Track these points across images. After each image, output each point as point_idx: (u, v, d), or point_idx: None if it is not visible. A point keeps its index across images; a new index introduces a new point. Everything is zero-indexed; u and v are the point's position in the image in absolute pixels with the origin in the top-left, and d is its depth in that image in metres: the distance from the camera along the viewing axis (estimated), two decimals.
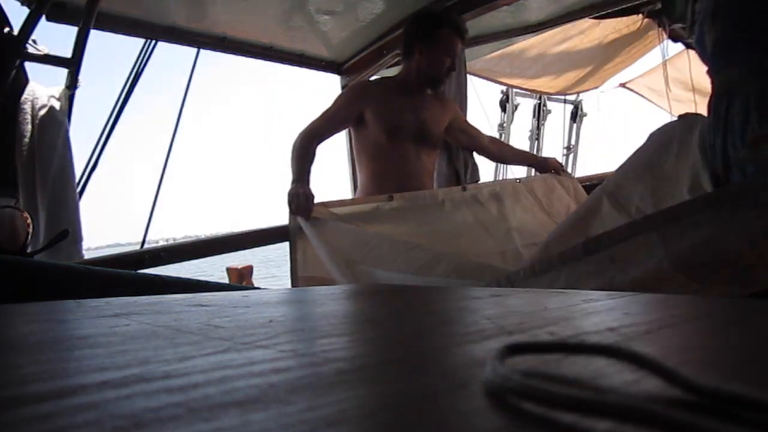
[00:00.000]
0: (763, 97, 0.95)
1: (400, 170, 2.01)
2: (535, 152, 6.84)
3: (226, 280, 3.80)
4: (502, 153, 2.48)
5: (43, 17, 1.67)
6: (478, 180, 3.13)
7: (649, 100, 4.28)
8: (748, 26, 0.96)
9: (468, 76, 3.02)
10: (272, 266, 12.64)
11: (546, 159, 2.39)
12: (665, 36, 3.16)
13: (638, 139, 1.55)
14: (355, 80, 2.96)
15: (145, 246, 2.27)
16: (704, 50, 1.09)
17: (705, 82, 1.39)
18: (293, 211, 1.77)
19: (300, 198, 1.75)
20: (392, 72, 3.09)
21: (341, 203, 1.85)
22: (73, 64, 1.74)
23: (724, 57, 1.00)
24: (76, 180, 1.83)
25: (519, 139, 6.86)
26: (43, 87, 1.74)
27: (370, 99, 2.01)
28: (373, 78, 2.25)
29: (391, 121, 1.98)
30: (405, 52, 2.06)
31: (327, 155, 2.23)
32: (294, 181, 1.86)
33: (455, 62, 2.00)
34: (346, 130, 2.21)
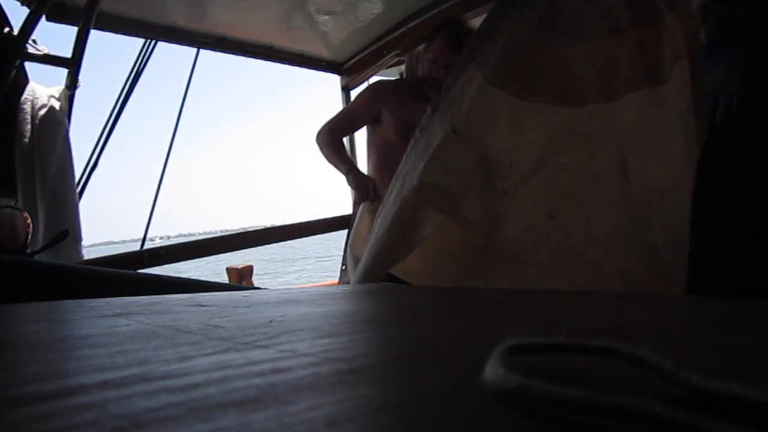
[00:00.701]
0: (744, 101, 0.94)
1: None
2: None
3: (225, 280, 3.80)
4: None
5: (43, 17, 1.67)
6: None
7: None
8: (735, 25, 0.95)
9: None
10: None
11: None
12: None
13: None
14: (356, 79, 2.97)
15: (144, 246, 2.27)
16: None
17: None
18: (363, 198, 1.88)
19: (368, 185, 1.88)
20: (393, 72, 3.10)
21: None
22: (73, 64, 1.74)
23: (714, 55, 0.99)
24: (76, 180, 1.83)
25: None
26: (43, 87, 1.74)
27: (388, 99, 2.05)
28: (393, 78, 2.27)
29: (403, 121, 2.01)
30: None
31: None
32: (349, 172, 1.95)
33: (444, 70, 1.97)
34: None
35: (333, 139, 2.01)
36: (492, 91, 1.03)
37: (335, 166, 1.99)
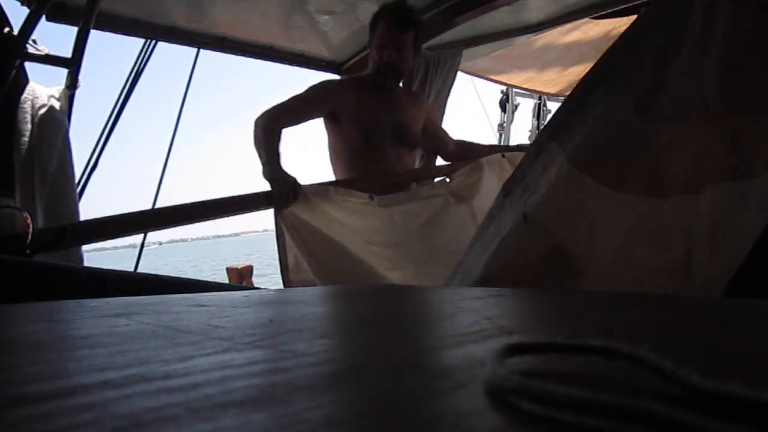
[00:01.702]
0: None
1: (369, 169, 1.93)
2: None
3: (225, 279, 3.80)
4: (465, 152, 2.25)
5: (43, 17, 1.67)
6: None
7: None
8: None
9: (468, 76, 3.02)
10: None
11: (519, 146, 2.24)
12: None
13: None
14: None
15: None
16: None
17: None
18: (276, 200, 1.61)
19: (283, 184, 1.61)
20: None
21: (324, 191, 1.71)
22: (73, 64, 1.74)
23: None
24: (76, 180, 1.83)
25: (519, 140, 6.88)
26: (43, 87, 1.74)
27: (340, 99, 1.91)
28: (343, 77, 2.14)
29: (366, 121, 1.90)
30: (367, 46, 2.00)
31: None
32: (268, 163, 1.69)
33: (398, 54, 1.86)
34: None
35: (270, 126, 1.78)
36: (576, 176, 0.92)
37: (258, 153, 1.73)
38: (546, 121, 6.75)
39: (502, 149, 2.23)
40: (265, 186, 1.64)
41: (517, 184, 0.98)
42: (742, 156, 0.88)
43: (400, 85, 2.11)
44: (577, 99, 0.97)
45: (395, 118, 1.95)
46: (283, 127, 1.83)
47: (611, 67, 0.96)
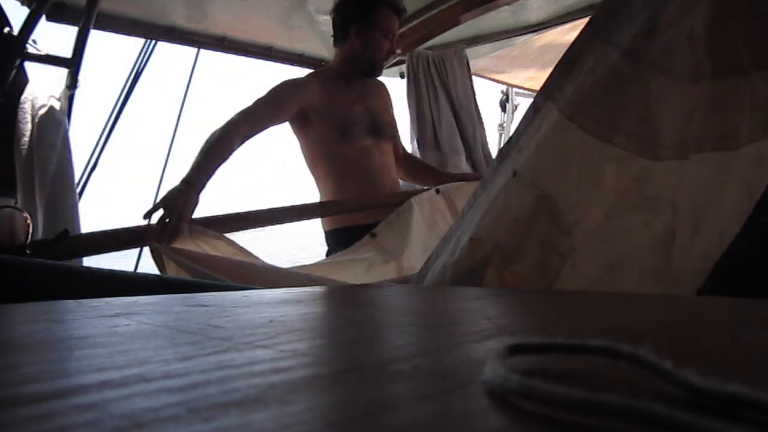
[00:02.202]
0: None
1: (363, 169, 1.82)
2: None
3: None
4: (412, 168, 2.10)
5: (43, 17, 1.67)
6: None
7: None
8: None
9: (471, 75, 3.02)
10: None
11: (464, 176, 2.05)
12: None
13: None
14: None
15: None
16: None
17: None
18: (157, 234, 1.32)
19: (174, 208, 1.34)
20: (393, 72, 3.10)
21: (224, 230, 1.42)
22: (73, 64, 1.75)
23: None
24: (76, 180, 1.83)
25: None
26: (43, 87, 1.74)
27: (308, 96, 1.75)
28: (304, 75, 1.90)
29: (339, 116, 1.78)
30: (338, 35, 1.83)
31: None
32: (183, 180, 1.40)
33: (394, 44, 1.83)
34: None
35: (223, 137, 1.51)
36: (565, 125, 0.89)
37: (193, 162, 1.45)
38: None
39: (447, 179, 1.97)
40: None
41: (512, 147, 0.95)
42: (726, 123, 0.86)
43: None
44: (570, 56, 0.95)
45: (368, 108, 1.86)
46: (244, 136, 1.58)
47: (605, 19, 0.94)
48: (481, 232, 0.92)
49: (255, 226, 1.57)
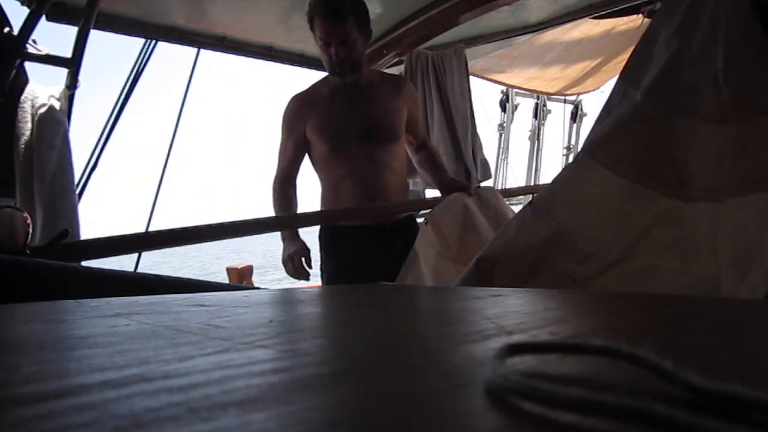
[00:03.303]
0: None
1: (352, 178, 1.83)
2: (534, 152, 6.86)
3: (225, 280, 3.80)
4: (417, 161, 2.10)
5: (43, 17, 1.67)
6: (490, 176, 3.11)
7: None
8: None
9: (469, 76, 3.03)
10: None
11: (453, 181, 2.00)
12: None
13: None
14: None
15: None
16: None
17: None
18: (291, 275, 1.71)
19: (294, 260, 1.69)
20: (393, 72, 3.10)
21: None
22: (73, 64, 1.74)
23: None
24: (76, 180, 1.83)
25: (519, 139, 6.88)
26: (43, 87, 1.74)
27: (307, 115, 1.82)
28: (312, 85, 1.91)
29: (331, 129, 1.80)
30: None
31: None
32: (283, 239, 1.76)
33: (343, 47, 1.70)
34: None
35: (278, 195, 1.83)
36: (584, 161, 0.91)
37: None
38: (545, 121, 6.75)
39: (437, 180, 2.01)
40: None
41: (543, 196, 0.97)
42: (760, 165, 0.84)
43: (372, 75, 1.92)
44: (605, 108, 0.96)
45: (363, 115, 1.81)
46: (293, 180, 1.87)
47: (632, 68, 0.95)
48: (488, 252, 0.95)
49: (250, 234, 1.63)
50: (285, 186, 1.85)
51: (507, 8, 2.59)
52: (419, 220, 1.93)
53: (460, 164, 2.87)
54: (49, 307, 0.58)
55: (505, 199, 2.05)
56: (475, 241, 1.73)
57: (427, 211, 1.95)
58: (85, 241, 1.45)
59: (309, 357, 0.31)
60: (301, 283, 1.83)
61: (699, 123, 0.87)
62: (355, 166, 1.82)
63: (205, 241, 1.54)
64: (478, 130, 3.03)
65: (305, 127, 1.81)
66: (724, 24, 0.86)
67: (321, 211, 1.88)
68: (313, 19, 1.70)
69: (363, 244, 1.85)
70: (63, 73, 1.79)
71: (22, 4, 1.63)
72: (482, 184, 3.08)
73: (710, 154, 0.86)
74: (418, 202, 2.27)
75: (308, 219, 1.76)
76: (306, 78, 2.66)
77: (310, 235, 1.91)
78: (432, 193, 3.37)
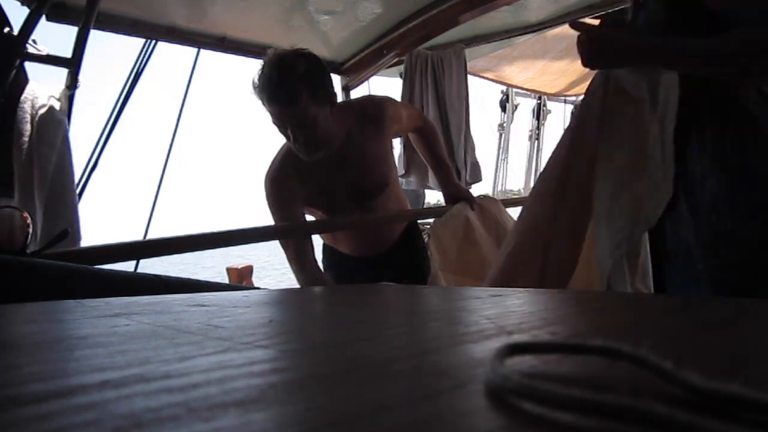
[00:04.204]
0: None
1: (351, 235, 1.79)
2: (534, 152, 6.86)
3: (225, 280, 3.80)
4: (414, 145, 1.98)
5: (43, 17, 1.67)
6: (480, 180, 3.12)
7: None
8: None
9: (468, 75, 3.03)
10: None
11: (458, 189, 1.92)
12: None
13: None
14: (356, 79, 2.94)
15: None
16: None
17: None
18: None
19: None
20: (393, 72, 3.10)
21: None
22: (73, 64, 1.74)
23: None
24: (76, 180, 1.83)
25: (519, 139, 6.88)
26: (43, 87, 1.74)
27: (295, 197, 1.63)
28: (280, 162, 1.66)
29: (322, 200, 1.68)
30: None
31: None
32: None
33: (302, 130, 1.48)
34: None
35: (301, 275, 1.60)
36: None
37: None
38: (545, 121, 6.75)
39: (443, 181, 1.97)
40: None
41: None
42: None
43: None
44: None
45: (350, 180, 1.66)
46: (307, 253, 1.61)
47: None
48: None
49: (247, 243, 1.60)
50: (302, 263, 1.60)
51: (507, 8, 2.59)
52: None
53: (453, 165, 2.88)
54: (49, 307, 0.58)
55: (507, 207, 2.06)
56: (474, 254, 1.77)
57: (429, 220, 1.98)
58: (84, 248, 1.45)
59: (309, 357, 0.31)
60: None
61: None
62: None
63: (203, 249, 1.53)
64: (474, 132, 3.03)
65: (298, 204, 1.65)
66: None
67: (322, 220, 1.80)
68: (260, 99, 1.47)
69: (362, 265, 1.84)
70: (63, 73, 1.79)
71: (22, 4, 1.62)
72: (478, 184, 3.09)
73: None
74: (419, 212, 2.26)
75: (308, 228, 1.72)
76: None
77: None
78: (430, 193, 3.37)
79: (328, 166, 1.60)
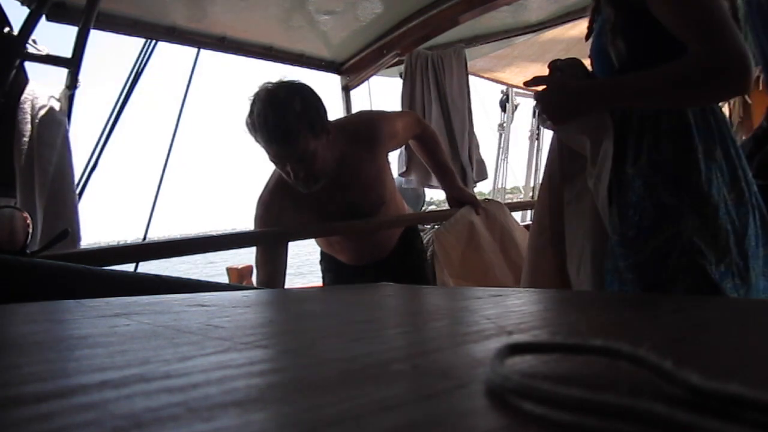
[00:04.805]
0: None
1: (347, 245, 1.77)
2: (535, 152, 6.86)
3: (225, 280, 3.80)
4: (415, 150, 1.99)
5: (43, 17, 1.67)
6: (486, 177, 3.12)
7: None
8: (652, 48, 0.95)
9: (468, 75, 3.03)
10: None
11: (462, 193, 1.90)
12: None
13: None
14: (356, 79, 2.94)
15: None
16: (605, 62, 1.04)
17: None
18: None
19: None
20: (393, 72, 3.10)
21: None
22: (73, 64, 1.74)
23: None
24: (76, 180, 1.83)
25: (519, 139, 6.88)
26: (43, 87, 1.74)
27: (287, 219, 1.62)
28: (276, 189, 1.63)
29: (315, 221, 1.66)
30: None
31: None
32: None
33: (302, 164, 1.46)
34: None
35: (266, 278, 1.59)
36: None
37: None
38: None
39: (446, 185, 1.96)
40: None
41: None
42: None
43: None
44: None
45: (345, 202, 1.64)
46: (279, 269, 1.61)
47: None
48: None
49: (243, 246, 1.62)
50: (272, 278, 1.59)
51: (507, 8, 2.59)
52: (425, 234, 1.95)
53: (457, 164, 2.88)
54: (49, 307, 0.58)
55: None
56: (478, 258, 1.77)
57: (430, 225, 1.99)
58: (84, 250, 1.45)
59: (309, 357, 0.31)
60: (301, 284, 1.84)
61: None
62: (348, 238, 1.74)
63: (203, 252, 1.53)
64: (476, 131, 3.03)
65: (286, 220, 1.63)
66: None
67: (322, 224, 1.74)
68: (255, 138, 1.44)
69: (360, 272, 1.83)
70: (63, 73, 1.79)
71: (22, 4, 1.62)
72: (480, 184, 3.09)
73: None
74: (422, 216, 2.26)
75: (304, 232, 1.71)
76: (306, 78, 2.66)
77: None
78: (430, 192, 3.37)
79: (322, 190, 1.57)
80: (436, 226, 1.93)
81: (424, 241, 1.94)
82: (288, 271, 1.67)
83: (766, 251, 0.96)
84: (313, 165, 1.46)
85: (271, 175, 1.64)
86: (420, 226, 2.01)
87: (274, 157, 1.46)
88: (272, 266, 1.59)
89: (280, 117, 1.38)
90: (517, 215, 2.51)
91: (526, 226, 1.77)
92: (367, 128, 1.67)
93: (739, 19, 1.07)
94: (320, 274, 1.98)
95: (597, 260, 1.05)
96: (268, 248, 1.60)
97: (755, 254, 0.93)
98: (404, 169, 2.90)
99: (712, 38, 0.82)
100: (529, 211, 3.43)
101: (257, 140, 1.43)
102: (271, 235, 1.62)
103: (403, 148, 2.82)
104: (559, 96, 1.00)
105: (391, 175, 1.83)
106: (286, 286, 1.80)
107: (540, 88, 1.05)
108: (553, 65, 1.06)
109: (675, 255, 0.92)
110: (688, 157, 0.94)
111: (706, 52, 0.83)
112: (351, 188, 1.63)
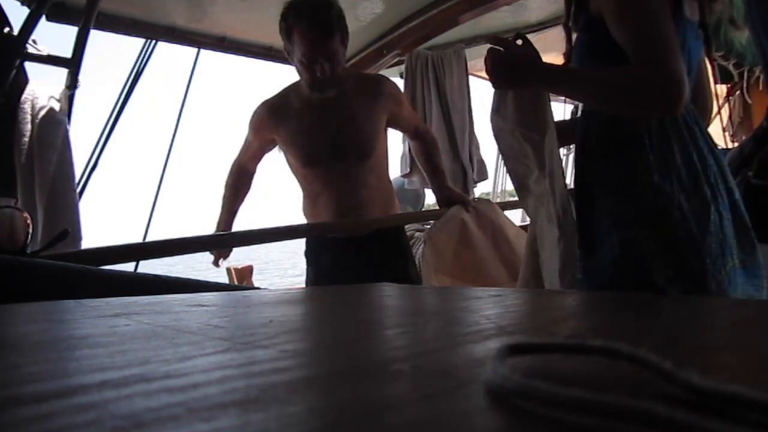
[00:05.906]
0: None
1: (327, 194, 1.75)
2: None
3: (225, 280, 3.80)
4: (413, 151, 2.05)
5: (43, 17, 1.67)
6: (486, 177, 3.12)
7: None
8: None
9: (468, 76, 3.03)
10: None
11: (451, 192, 1.93)
12: None
13: None
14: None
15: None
16: None
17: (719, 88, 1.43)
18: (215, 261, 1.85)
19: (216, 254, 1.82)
20: (393, 72, 3.10)
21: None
22: (73, 64, 1.74)
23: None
24: (76, 180, 1.83)
25: None
26: (43, 87, 1.74)
27: (277, 126, 1.72)
28: (283, 90, 1.79)
29: (302, 147, 1.71)
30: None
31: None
32: (217, 225, 1.87)
33: (329, 64, 1.58)
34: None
35: (232, 177, 1.88)
36: None
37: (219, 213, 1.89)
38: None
39: (436, 187, 1.97)
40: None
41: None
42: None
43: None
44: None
45: (335, 131, 1.68)
46: (248, 172, 1.91)
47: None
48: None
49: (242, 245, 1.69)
50: (240, 175, 1.90)
51: (507, 8, 2.59)
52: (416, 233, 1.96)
53: (457, 164, 2.88)
54: (49, 307, 0.58)
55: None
56: (470, 256, 1.78)
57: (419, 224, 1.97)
58: (84, 250, 1.45)
59: (309, 357, 0.31)
60: (301, 284, 1.84)
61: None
62: (329, 183, 1.73)
63: (203, 251, 1.54)
64: (477, 131, 3.03)
65: (275, 136, 1.76)
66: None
67: (307, 224, 1.82)
68: (292, 31, 1.56)
69: (341, 254, 1.79)
70: (63, 73, 1.79)
71: (22, 4, 1.63)
72: (480, 185, 3.09)
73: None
74: (411, 216, 2.26)
75: (294, 232, 1.70)
76: None
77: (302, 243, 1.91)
78: (430, 193, 3.37)
79: (318, 109, 1.69)
80: (426, 226, 1.94)
81: (413, 250, 1.97)
82: (288, 271, 1.68)
83: (742, 246, 0.98)
84: (337, 66, 1.61)
85: (276, 93, 1.80)
86: (409, 232, 2.03)
87: (309, 52, 1.56)
88: (235, 191, 1.89)
89: (327, 14, 1.57)
90: (516, 215, 2.50)
91: (524, 227, 1.77)
92: (377, 80, 1.86)
93: (737, 19, 1.08)
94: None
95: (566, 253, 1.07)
96: (233, 182, 1.88)
97: (719, 255, 0.94)
98: (408, 170, 2.90)
99: (658, 59, 0.87)
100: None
101: (294, 31, 1.56)
102: (271, 235, 1.63)
103: (407, 150, 2.82)
104: (507, 60, 1.03)
105: (386, 147, 1.86)
106: (286, 286, 1.80)
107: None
108: (518, 34, 1.08)
109: (622, 261, 0.96)
110: (636, 168, 0.97)
111: (652, 70, 0.87)
112: (344, 124, 1.70)
